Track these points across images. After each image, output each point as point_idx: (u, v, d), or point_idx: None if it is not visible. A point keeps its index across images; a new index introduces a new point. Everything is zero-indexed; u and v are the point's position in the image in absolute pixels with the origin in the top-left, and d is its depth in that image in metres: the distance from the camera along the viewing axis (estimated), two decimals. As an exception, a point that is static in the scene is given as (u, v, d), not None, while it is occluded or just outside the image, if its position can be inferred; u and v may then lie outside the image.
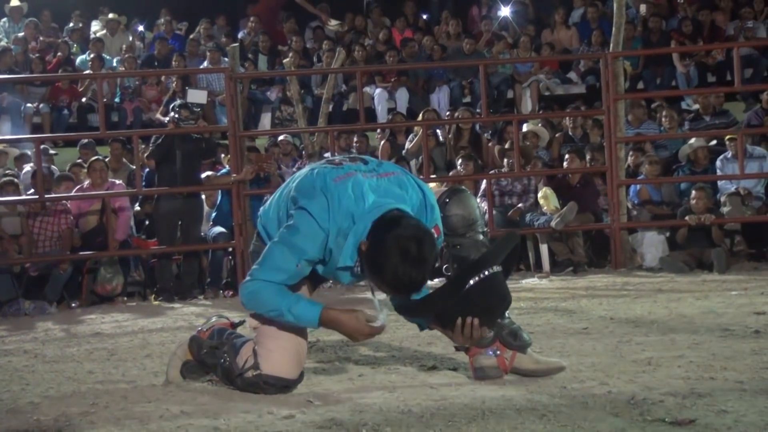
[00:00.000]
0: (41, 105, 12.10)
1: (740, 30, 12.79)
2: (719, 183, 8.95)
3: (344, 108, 12.44)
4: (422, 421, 2.96)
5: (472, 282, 3.21)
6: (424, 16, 15.32)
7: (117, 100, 12.43)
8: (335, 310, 3.30)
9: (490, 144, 10.03)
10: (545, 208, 8.56)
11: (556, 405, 3.09)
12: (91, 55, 12.64)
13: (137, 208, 8.86)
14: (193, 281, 8.31)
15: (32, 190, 8.39)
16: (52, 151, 10.19)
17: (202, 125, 8.72)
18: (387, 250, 3.06)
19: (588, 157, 9.09)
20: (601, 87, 8.89)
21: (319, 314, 3.26)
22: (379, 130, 11.07)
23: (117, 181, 8.60)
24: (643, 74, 12.50)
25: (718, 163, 9.01)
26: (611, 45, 8.79)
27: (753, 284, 6.64)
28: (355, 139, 10.35)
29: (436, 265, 3.28)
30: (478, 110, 10.55)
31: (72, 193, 8.29)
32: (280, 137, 10.35)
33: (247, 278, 3.33)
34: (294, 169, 9.39)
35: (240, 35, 13.96)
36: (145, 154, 8.67)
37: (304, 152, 9.95)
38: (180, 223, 8.27)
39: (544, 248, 8.50)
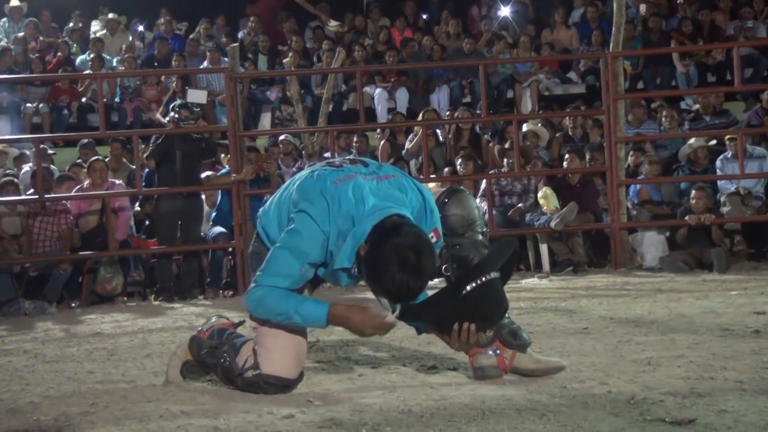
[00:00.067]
0: (41, 105, 12.10)
1: (740, 30, 12.79)
2: (719, 183, 8.95)
3: (344, 108, 12.45)
4: (422, 420, 2.96)
5: (469, 288, 3.21)
6: (424, 16, 15.33)
7: (117, 100, 12.43)
8: (342, 306, 3.30)
9: (490, 144, 10.04)
10: (545, 207, 8.56)
11: (556, 405, 3.09)
12: (91, 55, 12.65)
13: (137, 208, 8.86)
14: (193, 281, 8.31)
15: (32, 190, 8.38)
16: (50, 151, 10.18)
17: (202, 125, 8.73)
18: (386, 258, 3.06)
19: (588, 156, 9.09)
20: (601, 87, 8.90)
21: (326, 312, 3.25)
22: (378, 130, 11.07)
23: (117, 181, 8.60)
24: (643, 74, 12.50)
25: (718, 162, 9.01)
26: (611, 45, 8.79)
27: (753, 284, 6.64)
28: (354, 139, 10.36)
29: (436, 265, 3.29)
30: (478, 110, 10.56)
31: (72, 193, 8.29)
32: (281, 137, 10.36)
33: (252, 285, 3.32)
34: (294, 169, 9.40)
35: (240, 35, 13.96)
36: (145, 155, 8.67)
37: (303, 152, 9.95)
38: (180, 223, 8.27)
39: (544, 248, 8.50)
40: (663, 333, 4.57)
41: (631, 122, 9.87)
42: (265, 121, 12.35)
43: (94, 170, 8.31)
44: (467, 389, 3.42)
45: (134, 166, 8.66)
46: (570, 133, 10.35)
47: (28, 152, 9.95)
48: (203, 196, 8.72)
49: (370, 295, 3.27)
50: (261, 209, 3.60)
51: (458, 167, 9.14)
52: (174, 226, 8.26)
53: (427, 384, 3.56)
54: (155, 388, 3.71)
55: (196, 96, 8.78)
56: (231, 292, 8.09)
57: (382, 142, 10.53)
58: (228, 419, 3.09)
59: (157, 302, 7.88)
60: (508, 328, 3.60)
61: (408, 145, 10.11)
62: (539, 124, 10.19)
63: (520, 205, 8.80)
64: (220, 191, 8.71)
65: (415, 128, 10.10)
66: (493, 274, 3.27)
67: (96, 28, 14.41)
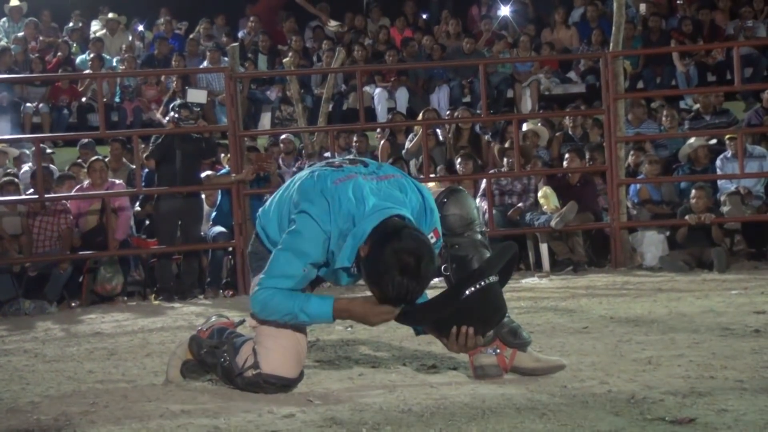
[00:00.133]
0: (41, 105, 12.10)
1: (740, 29, 12.79)
2: (719, 182, 8.95)
3: (344, 107, 12.44)
4: (422, 420, 2.96)
5: (468, 292, 3.22)
6: (424, 16, 15.33)
7: (117, 99, 12.43)
8: (345, 299, 3.31)
9: (491, 144, 10.04)
10: (545, 207, 8.56)
11: (556, 404, 3.09)
12: (91, 55, 12.64)
13: (137, 208, 8.86)
14: (193, 281, 8.31)
15: (32, 190, 8.38)
16: (48, 150, 10.18)
17: (202, 125, 8.72)
18: (386, 262, 3.07)
19: (588, 156, 9.09)
20: (601, 86, 8.89)
21: (331, 307, 3.26)
22: (378, 130, 11.07)
23: (117, 181, 8.60)
24: (643, 73, 12.50)
25: (718, 162, 9.01)
26: (611, 44, 8.79)
27: (753, 283, 6.64)
28: (354, 138, 10.36)
29: (436, 268, 3.29)
30: (478, 110, 10.55)
31: (72, 193, 8.29)
32: (282, 136, 10.36)
33: (256, 288, 3.32)
34: (294, 169, 9.40)
35: (240, 35, 13.97)
36: (145, 154, 8.67)
37: (303, 152, 9.96)
38: (180, 222, 8.27)
39: (544, 247, 8.50)
40: (663, 332, 4.57)
41: (631, 122, 9.87)
42: (265, 120, 12.35)
43: (94, 170, 8.31)
44: (467, 388, 3.42)
45: (134, 166, 8.65)
46: (570, 132, 10.34)
47: (28, 152, 9.95)
48: (203, 196, 8.73)
49: (369, 293, 3.27)
50: (260, 209, 3.60)
51: (458, 167, 9.14)
52: (174, 225, 8.26)
53: (428, 383, 3.56)
54: (155, 388, 3.71)
55: (196, 96, 8.78)
56: (231, 292, 8.09)
57: (382, 142, 10.53)
58: (228, 418, 3.09)
59: (157, 302, 7.88)
60: (508, 327, 3.60)
61: (408, 144, 10.11)
62: (539, 124, 10.19)
63: (520, 204, 8.80)
64: (220, 191, 8.71)
65: (415, 128, 10.10)
66: (492, 278, 3.28)
67: (96, 27, 14.41)
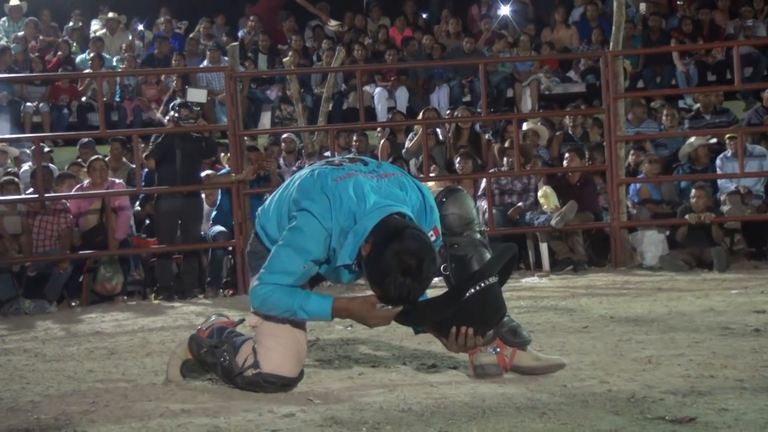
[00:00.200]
0: (41, 104, 12.10)
1: (740, 29, 12.79)
2: (719, 182, 8.95)
3: (344, 107, 12.44)
4: (422, 419, 2.96)
5: (467, 294, 3.23)
6: (424, 15, 15.32)
7: (117, 99, 12.43)
8: (345, 299, 3.31)
9: (491, 143, 10.03)
10: (545, 206, 8.56)
11: (556, 403, 3.09)
12: (91, 54, 12.64)
13: (137, 207, 8.86)
14: (193, 280, 8.31)
15: (32, 189, 8.38)
16: (47, 149, 10.17)
17: (202, 124, 8.72)
18: (387, 262, 3.07)
19: (588, 155, 9.08)
20: (601, 86, 8.89)
21: (330, 306, 3.26)
22: (378, 129, 11.07)
23: (117, 180, 8.60)
24: (643, 73, 12.50)
25: (718, 161, 9.01)
26: (611, 44, 8.79)
27: (753, 283, 6.64)
28: (354, 138, 10.35)
29: (437, 269, 3.30)
30: (478, 109, 10.55)
31: (72, 192, 8.29)
32: (283, 135, 10.36)
33: (256, 283, 3.32)
34: (295, 168, 9.40)
35: (240, 34, 13.96)
36: (145, 154, 8.67)
37: (303, 151, 9.95)
38: (180, 222, 8.27)
39: (544, 247, 8.50)
40: (663, 332, 4.57)
41: (631, 121, 9.87)
42: (265, 120, 12.35)
43: (94, 169, 8.31)
44: (467, 387, 3.42)
45: (134, 166, 8.65)
46: (570, 132, 10.34)
47: (28, 151, 9.94)
48: (203, 195, 8.73)
49: (370, 292, 3.28)
50: (260, 208, 3.60)
51: (457, 166, 9.14)
52: (174, 225, 8.26)
53: (428, 382, 3.56)
54: (155, 387, 3.71)
55: (196, 95, 8.78)
56: (231, 291, 8.09)
57: (382, 141, 10.53)
58: (228, 418, 3.09)
59: (157, 301, 7.88)
60: (508, 326, 3.60)
61: (408, 144, 10.11)
62: (539, 123, 10.19)
63: (520, 204, 8.80)
64: (220, 190, 8.71)
65: (415, 127, 10.10)
66: (492, 279, 3.28)
67: (96, 27, 14.41)
